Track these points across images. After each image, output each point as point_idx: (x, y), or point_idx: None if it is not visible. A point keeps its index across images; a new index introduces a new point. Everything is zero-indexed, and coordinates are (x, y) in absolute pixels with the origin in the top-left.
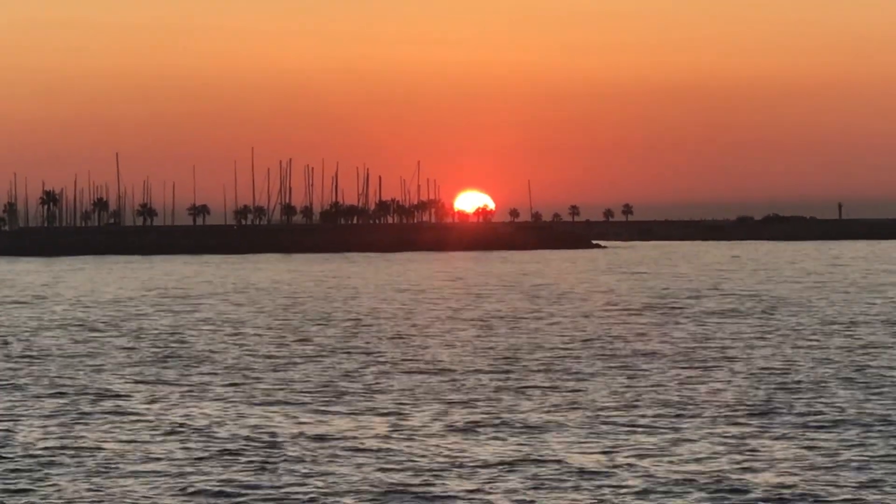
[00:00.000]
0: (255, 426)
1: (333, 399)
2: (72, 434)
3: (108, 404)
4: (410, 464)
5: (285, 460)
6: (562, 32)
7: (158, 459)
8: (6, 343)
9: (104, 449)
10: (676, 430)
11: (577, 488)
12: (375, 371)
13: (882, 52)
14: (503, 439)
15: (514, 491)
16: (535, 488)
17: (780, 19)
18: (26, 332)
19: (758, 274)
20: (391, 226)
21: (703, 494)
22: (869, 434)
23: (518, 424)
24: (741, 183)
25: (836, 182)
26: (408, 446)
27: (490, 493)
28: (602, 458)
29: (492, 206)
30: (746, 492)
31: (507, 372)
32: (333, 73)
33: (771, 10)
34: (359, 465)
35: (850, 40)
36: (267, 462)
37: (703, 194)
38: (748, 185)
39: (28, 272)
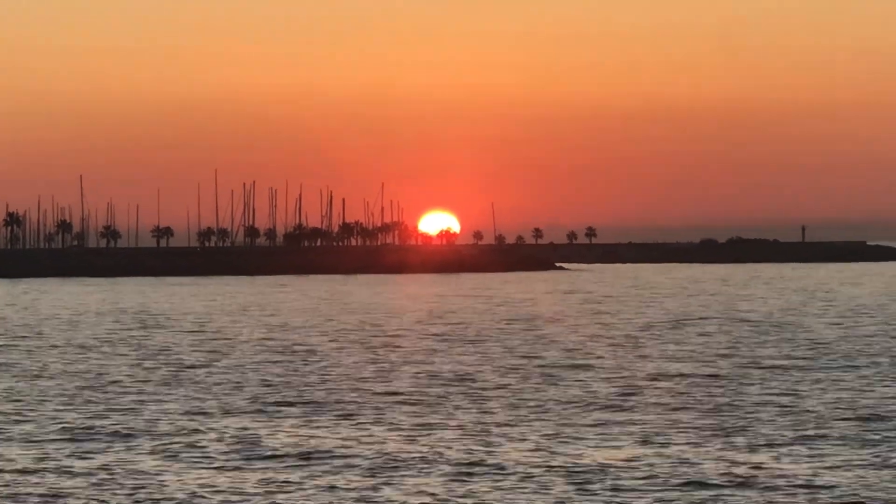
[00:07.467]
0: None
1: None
2: None
3: None
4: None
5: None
6: (525, 56)
7: None
8: None
9: None
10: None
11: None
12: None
13: (845, 77)
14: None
15: None
16: None
17: (744, 44)
18: None
19: None
20: (354, 248)
21: None
22: None
23: None
24: (704, 206)
25: (799, 205)
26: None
27: None
28: None
29: (456, 228)
30: None
31: None
32: (297, 95)
33: (735, 36)
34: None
35: (813, 65)
36: None
37: (667, 217)
38: (711, 208)
39: None
